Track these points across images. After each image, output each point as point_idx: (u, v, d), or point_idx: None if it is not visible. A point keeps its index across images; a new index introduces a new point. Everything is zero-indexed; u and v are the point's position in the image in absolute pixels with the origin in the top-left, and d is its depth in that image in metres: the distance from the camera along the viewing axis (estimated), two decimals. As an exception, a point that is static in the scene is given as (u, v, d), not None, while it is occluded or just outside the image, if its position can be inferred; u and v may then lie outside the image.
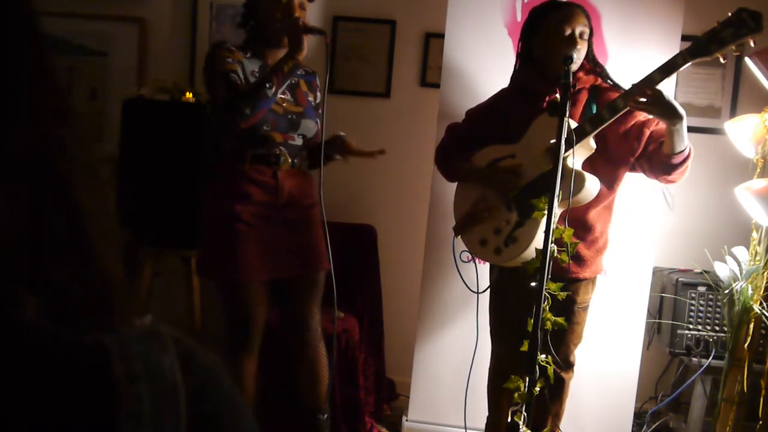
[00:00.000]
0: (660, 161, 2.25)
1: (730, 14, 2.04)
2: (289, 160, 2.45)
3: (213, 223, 2.46)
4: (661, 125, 2.24)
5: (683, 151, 2.21)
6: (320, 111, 2.57)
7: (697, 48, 2.07)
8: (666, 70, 2.12)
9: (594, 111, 2.33)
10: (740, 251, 2.80)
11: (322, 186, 2.40)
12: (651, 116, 2.26)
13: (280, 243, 2.45)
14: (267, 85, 2.28)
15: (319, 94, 2.61)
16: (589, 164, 2.32)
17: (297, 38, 2.31)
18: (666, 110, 2.11)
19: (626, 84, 2.24)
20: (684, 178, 2.32)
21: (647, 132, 2.30)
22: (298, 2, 2.40)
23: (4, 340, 0.42)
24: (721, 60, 2.10)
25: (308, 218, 2.51)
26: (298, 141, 2.48)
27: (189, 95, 3.01)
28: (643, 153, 2.31)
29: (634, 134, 2.31)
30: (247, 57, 2.44)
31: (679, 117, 2.12)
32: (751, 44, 2.05)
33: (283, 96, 2.43)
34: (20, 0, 0.47)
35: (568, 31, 2.28)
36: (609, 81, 2.40)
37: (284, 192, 2.44)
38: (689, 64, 2.09)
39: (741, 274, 2.74)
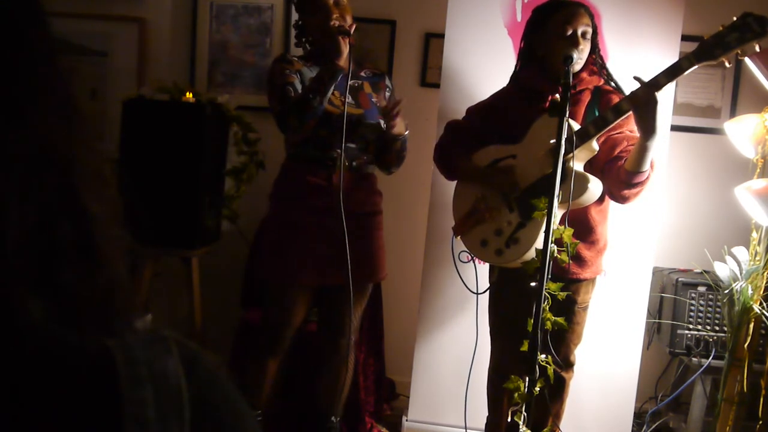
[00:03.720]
0: (620, 178, 2.24)
1: (735, 18, 2.03)
2: (346, 164, 2.43)
3: (270, 224, 2.53)
4: (632, 146, 2.23)
5: (644, 172, 2.20)
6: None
7: (703, 51, 2.06)
8: (671, 73, 2.12)
9: (596, 113, 2.33)
10: (740, 251, 2.80)
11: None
12: (633, 132, 2.25)
13: (332, 249, 2.39)
14: (311, 96, 2.29)
15: (388, 94, 2.59)
16: (589, 165, 2.33)
17: (333, 43, 2.31)
18: (648, 118, 2.09)
19: (628, 86, 2.24)
20: (636, 201, 2.31)
21: (619, 147, 2.29)
22: (333, 1, 2.39)
23: (10, 343, 0.42)
24: (726, 64, 2.10)
25: (366, 225, 2.49)
26: (359, 144, 2.46)
27: (189, 95, 3.01)
28: (607, 164, 2.30)
29: (609, 144, 2.31)
30: (308, 66, 2.46)
31: (654, 132, 2.10)
32: (756, 48, 2.04)
33: (343, 99, 2.41)
34: (32, 3, 0.47)
35: (570, 31, 2.28)
36: (612, 83, 2.40)
37: (340, 196, 2.39)
38: (695, 67, 2.09)
39: (741, 274, 2.74)
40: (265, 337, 2.54)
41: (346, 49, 2.30)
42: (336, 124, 2.38)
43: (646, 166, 2.19)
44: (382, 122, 2.51)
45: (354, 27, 2.39)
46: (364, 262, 2.49)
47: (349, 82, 2.42)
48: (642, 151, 2.14)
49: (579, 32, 2.28)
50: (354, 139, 2.45)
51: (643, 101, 2.09)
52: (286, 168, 2.52)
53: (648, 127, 2.10)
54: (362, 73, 2.54)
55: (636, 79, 2.13)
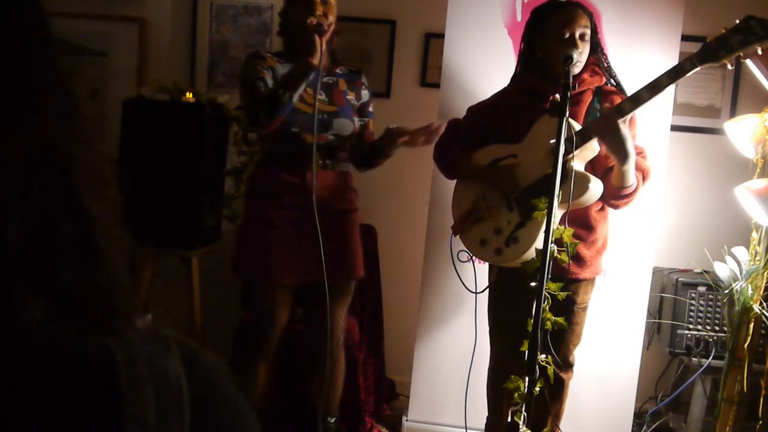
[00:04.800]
0: (609, 189, 2.29)
1: (738, 21, 2.03)
2: (320, 161, 2.43)
3: (247, 222, 2.51)
4: None
5: (629, 186, 2.25)
6: (369, 108, 2.58)
7: (706, 53, 2.07)
8: (673, 75, 2.12)
9: (597, 113, 2.33)
10: (740, 251, 2.80)
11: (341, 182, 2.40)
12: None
13: (310, 247, 2.38)
14: (280, 92, 2.28)
15: (364, 92, 2.58)
16: (590, 165, 2.33)
17: (307, 40, 2.30)
18: (615, 145, 2.14)
19: (630, 87, 2.24)
20: (630, 207, 2.36)
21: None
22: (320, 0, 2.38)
23: (10, 343, 0.42)
24: (729, 66, 2.10)
25: (342, 223, 2.49)
26: (332, 141, 2.46)
27: (189, 95, 3.01)
28: (602, 173, 2.32)
29: (604, 152, 2.32)
30: (281, 62, 2.45)
31: (626, 157, 2.16)
32: (759, 51, 2.05)
33: (316, 96, 2.40)
34: (32, 4, 0.47)
35: (567, 35, 2.28)
36: (613, 82, 2.40)
37: (315, 194, 2.40)
38: (697, 69, 2.10)
39: (741, 274, 2.74)
40: (252, 337, 2.54)
41: (320, 48, 2.29)
42: (308, 122, 2.38)
43: (631, 182, 2.24)
44: (356, 120, 2.51)
45: (333, 27, 2.38)
46: (343, 260, 2.49)
47: (323, 79, 2.41)
48: (621, 172, 2.21)
49: (577, 35, 2.28)
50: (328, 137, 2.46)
51: (602, 130, 2.14)
52: (260, 166, 2.53)
53: (618, 153, 2.17)
54: (337, 70, 2.53)
55: (604, 108, 2.17)
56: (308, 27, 2.32)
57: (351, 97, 2.53)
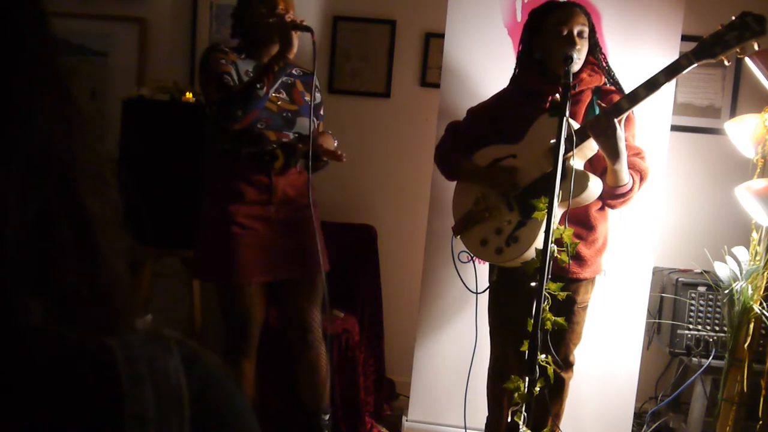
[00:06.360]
0: (604, 188, 2.30)
1: (734, 18, 2.04)
2: (284, 159, 2.44)
3: (208, 224, 2.45)
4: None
5: (624, 185, 2.26)
6: (320, 111, 2.58)
7: (702, 50, 2.08)
8: (670, 71, 2.13)
9: (596, 112, 2.34)
10: (740, 251, 2.80)
11: (311, 185, 2.40)
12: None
13: (277, 244, 2.43)
14: (258, 86, 2.28)
15: (318, 94, 2.59)
16: (590, 164, 2.33)
17: (285, 36, 2.31)
18: (609, 144, 2.16)
19: (629, 87, 2.25)
20: (627, 206, 2.37)
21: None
22: None
23: (10, 344, 0.42)
24: (726, 63, 2.11)
25: (305, 219, 2.48)
26: (294, 139, 2.47)
27: (189, 95, 3.01)
28: (600, 173, 2.33)
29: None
30: (242, 58, 2.45)
31: (618, 156, 2.17)
32: (755, 47, 2.05)
33: (277, 94, 2.43)
34: (32, 3, 0.47)
35: (566, 32, 2.28)
36: (610, 80, 2.40)
37: (278, 191, 2.43)
38: (694, 66, 2.10)
39: (741, 274, 2.74)
40: (229, 338, 2.52)
41: (295, 45, 2.31)
42: (272, 119, 2.39)
43: (624, 181, 2.25)
44: (315, 120, 2.52)
45: (304, 22, 2.37)
46: (310, 254, 2.48)
47: (283, 79, 2.40)
48: (613, 171, 2.22)
49: (575, 32, 2.29)
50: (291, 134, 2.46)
51: (598, 128, 2.15)
52: (222, 165, 2.45)
53: (610, 153, 2.17)
54: (293, 71, 2.53)
55: (598, 104, 2.17)
56: (286, 24, 2.30)
57: (308, 98, 2.52)
